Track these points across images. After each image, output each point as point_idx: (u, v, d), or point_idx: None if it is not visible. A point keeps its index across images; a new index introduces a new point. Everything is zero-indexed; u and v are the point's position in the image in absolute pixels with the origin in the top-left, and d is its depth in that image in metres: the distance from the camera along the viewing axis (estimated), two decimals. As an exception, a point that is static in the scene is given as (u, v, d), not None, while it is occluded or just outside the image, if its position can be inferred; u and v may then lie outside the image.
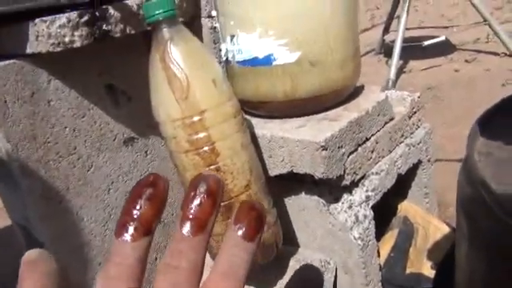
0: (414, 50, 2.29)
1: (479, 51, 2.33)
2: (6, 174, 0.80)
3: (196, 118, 0.58)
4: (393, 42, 2.05)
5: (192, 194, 0.21)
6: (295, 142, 0.67)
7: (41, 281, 0.20)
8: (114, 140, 0.82)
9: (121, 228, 0.20)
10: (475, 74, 2.09)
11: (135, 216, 0.20)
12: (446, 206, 1.20)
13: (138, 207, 0.20)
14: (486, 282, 0.36)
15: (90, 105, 0.78)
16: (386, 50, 2.43)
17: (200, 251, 0.21)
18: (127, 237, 0.20)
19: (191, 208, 0.20)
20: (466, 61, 2.24)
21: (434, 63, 2.26)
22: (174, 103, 0.58)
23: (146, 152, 0.87)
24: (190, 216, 0.20)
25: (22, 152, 0.72)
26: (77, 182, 0.78)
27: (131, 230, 0.20)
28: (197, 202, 0.20)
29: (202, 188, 0.20)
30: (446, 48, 2.39)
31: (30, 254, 0.21)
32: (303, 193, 0.75)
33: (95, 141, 0.79)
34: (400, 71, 2.16)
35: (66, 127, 0.75)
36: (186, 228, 0.20)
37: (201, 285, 0.21)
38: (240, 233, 0.21)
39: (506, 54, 2.17)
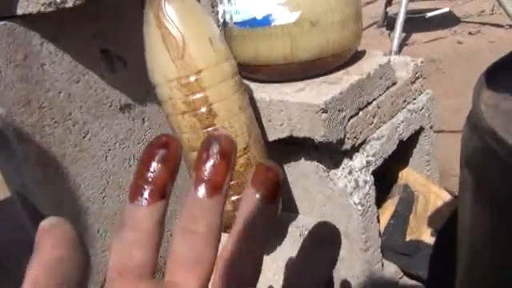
0: (417, 22, 2.25)
1: (483, 23, 2.28)
2: (2, 140, 0.79)
3: (192, 78, 0.57)
4: (396, 14, 2.01)
5: (205, 154, 0.19)
6: (294, 104, 0.65)
7: (58, 243, 0.18)
8: (110, 106, 0.81)
9: (135, 192, 0.19)
10: (479, 46, 2.06)
11: (149, 179, 0.19)
12: (448, 176, 1.19)
13: (151, 169, 0.19)
14: (493, 238, 0.35)
15: (85, 69, 0.76)
16: (389, 23, 2.38)
17: (217, 213, 0.20)
18: (142, 201, 0.19)
19: (205, 169, 0.19)
20: (470, 33, 2.19)
21: (437, 35, 2.22)
22: (170, 63, 0.56)
23: (142, 119, 0.86)
24: (205, 178, 0.19)
25: (16, 117, 0.70)
26: (73, 148, 0.77)
27: (146, 193, 0.19)
28: (210, 163, 0.19)
29: (215, 148, 0.19)
30: (449, 20, 2.35)
31: (47, 222, 0.20)
32: (303, 158, 0.74)
33: (91, 107, 0.78)
34: (403, 43, 2.12)
35: (60, 92, 0.74)
36: (202, 190, 0.19)
37: (220, 248, 0.20)
38: (258, 195, 0.20)
39: (510, 26, 2.13)
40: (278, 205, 0.20)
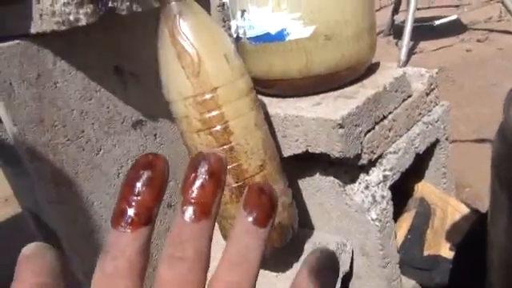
0: (424, 30, 2.24)
1: (491, 30, 2.27)
2: (14, 158, 0.79)
3: (208, 96, 0.56)
4: (402, 22, 2.01)
5: (192, 175, 0.18)
6: (311, 120, 0.64)
7: (39, 270, 0.17)
8: (123, 123, 0.80)
9: (118, 216, 0.18)
10: (487, 53, 2.04)
11: (133, 203, 0.17)
12: (462, 187, 1.17)
13: (135, 192, 0.18)
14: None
15: (98, 87, 0.76)
16: (396, 31, 2.38)
17: (205, 238, 0.18)
18: (126, 226, 0.17)
19: (192, 191, 0.18)
20: (478, 40, 2.18)
21: (445, 43, 2.21)
22: (185, 80, 0.56)
23: (154, 135, 0.85)
24: (192, 200, 0.18)
25: (29, 135, 0.70)
26: (86, 166, 0.76)
27: (129, 218, 0.17)
28: (198, 184, 0.18)
29: (203, 168, 0.18)
30: (457, 28, 2.34)
31: (26, 250, 0.19)
32: (318, 173, 0.73)
33: (103, 124, 0.77)
34: (411, 52, 2.11)
35: (73, 110, 0.73)
36: (189, 214, 0.18)
37: (209, 275, 0.19)
38: (250, 219, 0.19)
39: (519, 33, 2.12)
40: (271, 228, 0.19)
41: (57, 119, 0.72)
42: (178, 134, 0.88)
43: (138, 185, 0.18)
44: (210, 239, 0.19)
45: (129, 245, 0.17)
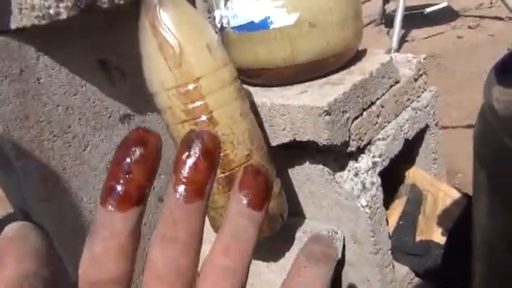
0: (415, 18, 2.23)
1: (482, 17, 2.27)
2: (2, 158, 0.78)
3: (191, 86, 0.55)
4: (394, 11, 2.00)
5: (185, 153, 0.17)
6: (297, 108, 0.64)
7: (22, 256, 0.16)
8: (110, 117, 0.80)
9: (107, 195, 0.17)
10: (479, 40, 2.04)
11: (123, 181, 0.17)
12: (454, 173, 1.17)
13: (126, 170, 0.17)
14: (506, 239, 0.34)
15: (83, 81, 0.75)
16: (387, 21, 2.37)
17: (198, 219, 0.18)
18: (115, 205, 0.17)
19: (185, 170, 0.17)
20: (470, 27, 2.18)
21: (436, 31, 2.20)
22: (167, 71, 0.55)
23: (143, 129, 0.85)
24: (185, 180, 0.17)
25: (15, 132, 0.69)
26: (73, 161, 0.76)
27: (120, 197, 0.17)
28: (191, 162, 0.17)
29: (197, 147, 0.17)
30: (448, 15, 2.33)
31: (8, 231, 0.17)
32: (307, 162, 0.73)
33: (90, 119, 0.77)
34: (402, 40, 2.11)
35: (58, 105, 0.73)
36: (181, 194, 0.17)
37: (202, 258, 0.18)
38: (246, 201, 0.18)
39: (510, 18, 2.12)
40: (266, 211, 0.19)
41: (42, 115, 0.71)
42: (166, 130, 0.87)
43: (129, 162, 0.17)
44: (203, 220, 0.18)
45: (119, 225, 0.17)
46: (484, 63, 1.77)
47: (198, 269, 0.18)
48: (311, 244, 0.19)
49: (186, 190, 0.17)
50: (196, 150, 0.17)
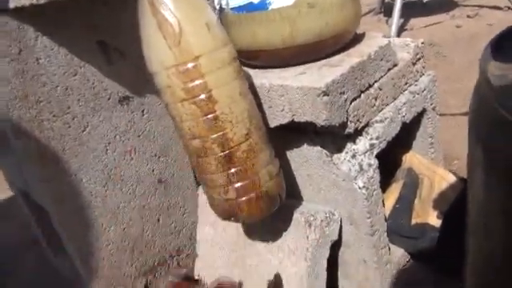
0: (414, 7, 2.23)
1: (481, 6, 2.26)
2: (1, 138, 0.78)
3: (190, 65, 0.56)
4: (393, 0, 1.99)
5: None
6: (295, 89, 0.64)
7: None
8: (109, 99, 0.80)
9: None
10: (477, 29, 2.04)
11: None
12: (451, 160, 1.18)
13: None
14: (506, 211, 0.35)
15: (82, 62, 0.75)
16: (386, 10, 2.36)
17: None
18: None
19: None
20: (468, 16, 2.18)
21: (435, 20, 2.20)
22: (167, 50, 0.55)
23: (142, 111, 0.85)
24: None
25: (14, 112, 0.69)
26: (73, 142, 0.76)
27: None
28: None
29: None
30: (447, 4, 2.32)
31: None
32: (305, 144, 0.73)
33: (89, 100, 0.77)
34: (401, 29, 2.10)
35: (57, 86, 0.73)
36: None
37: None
38: None
39: (509, 8, 2.11)
40: None
41: (41, 95, 0.72)
42: (165, 110, 0.87)
43: None
44: None
45: None
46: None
47: None
48: None
49: None
50: None
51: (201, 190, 0.93)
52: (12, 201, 1.19)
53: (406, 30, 2.16)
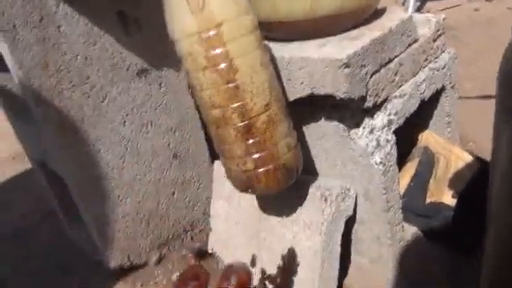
0: (432, -11, 2.19)
1: (501, -10, 2.21)
2: (21, 107, 0.79)
3: (212, 32, 0.55)
4: (410, -18, 1.96)
5: (224, 285, 0.24)
6: (316, 61, 0.64)
7: None
8: (128, 70, 0.80)
9: None
10: (496, 12, 2.00)
11: None
12: (466, 142, 1.17)
13: None
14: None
15: (101, 32, 0.75)
16: (402, -8, 2.32)
17: None
18: None
19: None
20: (487, 0, 2.13)
21: (453, 3, 2.16)
22: (190, 16, 0.55)
23: (160, 84, 0.85)
24: None
25: (35, 80, 0.70)
26: (92, 112, 0.76)
27: None
28: None
29: (234, 280, 0.24)
30: (465, -13, 2.28)
31: None
32: (322, 119, 0.73)
33: (108, 70, 0.77)
34: (418, 12, 2.07)
35: (77, 55, 0.73)
36: None
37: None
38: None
39: (529, -8, 2.07)
40: None
41: (62, 64, 0.72)
42: (182, 84, 0.88)
43: None
44: None
45: None
46: (500, 36, 1.74)
47: None
48: None
49: None
50: (233, 283, 0.23)
51: (216, 165, 0.93)
52: (29, 173, 1.21)
53: (422, 13, 2.12)
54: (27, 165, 1.17)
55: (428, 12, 2.11)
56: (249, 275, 0.19)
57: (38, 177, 0.98)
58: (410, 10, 1.86)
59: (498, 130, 0.40)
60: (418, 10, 2.09)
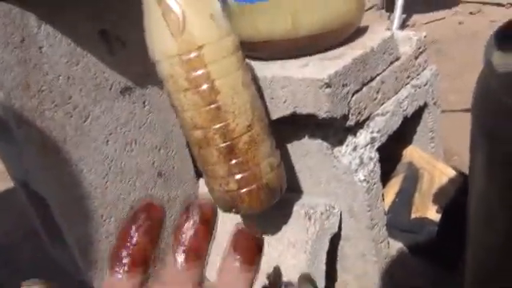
0: (416, 3, 2.22)
1: (484, 3, 2.26)
2: (3, 127, 0.78)
3: (193, 54, 0.55)
4: (395, -4, 1.99)
5: (186, 223, 0.20)
6: (298, 80, 0.64)
7: None
8: (111, 89, 0.80)
9: (114, 262, 0.19)
10: (480, 26, 2.04)
11: (129, 251, 0.19)
12: (450, 156, 1.18)
13: (132, 241, 0.19)
14: (507, 200, 0.35)
15: (84, 52, 0.75)
16: (389, 5, 2.36)
17: (197, 278, 0.20)
18: (122, 273, 0.18)
19: (185, 237, 0.19)
20: (471, 13, 2.17)
21: (437, 16, 2.20)
22: (170, 38, 0.55)
23: (143, 102, 0.85)
24: (185, 245, 0.19)
25: (16, 101, 0.69)
26: (74, 132, 0.76)
27: (126, 265, 0.18)
28: (191, 230, 0.19)
29: (196, 216, 0.20)
30: (449, 0, 2.32)
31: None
32: (306, 137, 0.73)
33: (91, 90, 0.77)
34: (403, 25, 2.10)
35: (59, 75, 0.73)
36: (181, 258, 0.19)
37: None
38: (238, 263, 0.20)
39: (511, 5, 2.11)
40: (257, 268, 0.20)
41: (43, 84, 0.72)
42: (166, 102, 0.87)
43: (135, 234, 0.19)
44: (203, 278, 0.20)
45: (124, 285, 0.18)
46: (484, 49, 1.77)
47: None
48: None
49: (186, 255, 0.19)
50: (195, 219, 0.19)
51: (201, 183, 0.93)
52: (12, 191, 1.19)
53: (407, 26, 2.16)
54: (10, 182, 1.15)
55: (413, 25, 2.15)
56: (213, 209, 0.17)
57: (20, 196, 0.96)
58: (396, 23, 1.88)
59: (473, 152, 0.40)
60: (404, 23, 2.12)
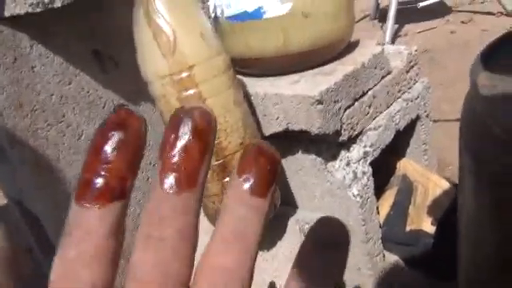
0: (409, 12, 2.24)
1: (475, 12, 2.28)
2: (-5, 146, 0.78)
3: (185, 74, 0.56)
4: (387, 6, 2.01)
5: (172, 136, 0.14)
6: (289, 97, 0.65)
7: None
8: (104, 107, 0.80)
9: (82, 189, 0.14)
10: (471, 34, 2.06)
11: (102, 172, 0.14)
12: (444, 166, 1.19)
13: (104, 159, 0.14)
14: (496, 218, 0.35)
15: (76, 71, 0.75)
16: (381, 15, 2.38)
17: (191, 213, 0.14)
18: (92, 202, 0.14)
19: (173, 156, 0.14)
20: (462, 22, 2.20)
21: (429, 25, 2.22)
22: (161, 59, 0.56)
23: (137, 119, 0.85)
24: (173, 167, 0.14)
25: (9, 121, 0.69)
26: (67, 151, 0.76)
27: (96, 192, 0.14)
28: (180, 146, 0.14)
29: (186, 126, 0.14)
30: (441, 9, 2.34)
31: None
32: (299, 152, 0.74)
33: (84, 108, 0.77)
34: (395, 35, 2.12)
35: (52, 94, 0.73)
36: (169, 183, 0.14)
37: (197, 257, 0.15)
38: (247, 186, 0.15)
39: (502, 14, 2.14)
40: (272, 198, 0.15)
41: (36, 104, 0.72)
42: (160, 119, 0.88)
43: (108, 149, 0.14)
44: (198, 213, 0.15)
45: (96, 224, 0.14)
46: (476, 58, 1.79)
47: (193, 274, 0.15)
48: (318, 227, 0.16)
49: (175, 179, 0.14)
50: (186, 130, 0.14)
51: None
52: (6, 207, 1.18)
53: (400, 35, 2.17)
54: (3, 199, 1.15)
55: (406, 35, 2.16)
56: (210, 116, 0.12)
57: (13, 214, 0.96)
58: (388, 33, 1.90)
59: (462, 171, 0.40)
60: (396, 33, 2.14)
